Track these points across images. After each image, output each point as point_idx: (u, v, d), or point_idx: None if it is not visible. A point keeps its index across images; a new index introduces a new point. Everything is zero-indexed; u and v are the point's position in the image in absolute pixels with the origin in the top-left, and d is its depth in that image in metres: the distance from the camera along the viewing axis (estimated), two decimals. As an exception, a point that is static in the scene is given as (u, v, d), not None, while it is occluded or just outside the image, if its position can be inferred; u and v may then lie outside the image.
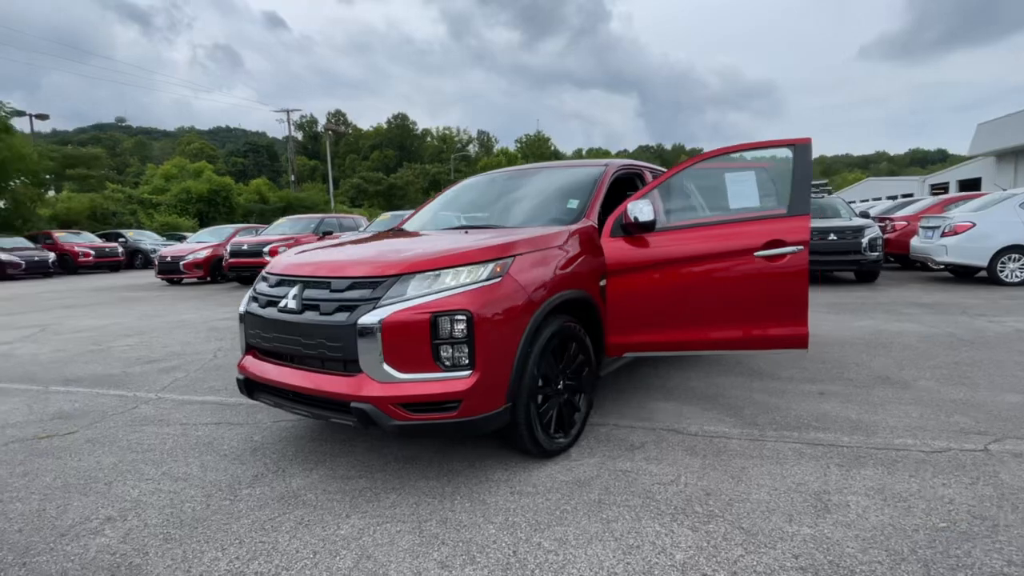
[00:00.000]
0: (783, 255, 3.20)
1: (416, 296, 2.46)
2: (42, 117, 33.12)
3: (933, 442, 2.98)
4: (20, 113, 29.85)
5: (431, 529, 2.26)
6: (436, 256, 2.61)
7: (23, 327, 7.90)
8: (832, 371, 4.42)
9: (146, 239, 23.46)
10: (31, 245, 19.27)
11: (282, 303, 2.73)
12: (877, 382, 4.10)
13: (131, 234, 23.52)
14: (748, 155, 3.75)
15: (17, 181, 24.00)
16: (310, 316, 2.61)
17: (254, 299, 2.96)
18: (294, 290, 2.72)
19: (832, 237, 9.78)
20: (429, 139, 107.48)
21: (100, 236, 22.56)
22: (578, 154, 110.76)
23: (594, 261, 3.21)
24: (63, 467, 2.99)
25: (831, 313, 7.07)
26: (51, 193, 28.17)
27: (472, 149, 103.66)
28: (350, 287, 2.58)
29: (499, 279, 2.57)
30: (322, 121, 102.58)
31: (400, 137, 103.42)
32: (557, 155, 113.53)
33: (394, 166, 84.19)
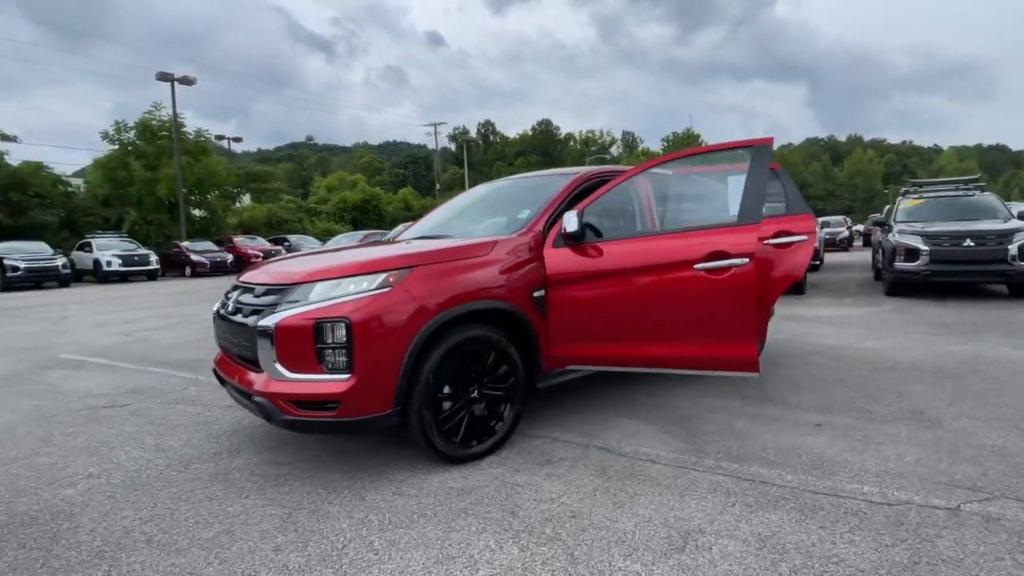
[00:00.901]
0: (726, 268, 2.92)
1: (309, 303, 2.71)
2: (237, 140, 39.44)
3: (896, 493, 2.53)
4: (221, 138, 35.80)
5: (297, 517, 2.49)
6: (332, 267, 2.84)
7: (173, 316, 9.63)
8: (858, 400, 3.84)
9: (305, 243, 26.84)
10: (215, 248, 23.13)
11: (228, 306, 3.15)
12: (903, 417, 3.50)
13: (294, 238, 27.08)
14: (724, 157, 3.44)
15: (212, 194, 28.97)
16: (237, 318, 2.99)
17: (222, 302, 3.44)
18: (235, 294, 3.13)
19: (969, 243, 8.22)
20: (572, 143, 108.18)
21: (270, 240, 26.32)
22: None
23: (528, 272, 3.20)
24: (96, 431, 3.72)
25: (932, 333, 6.03)
26: (238, 204, 33.38)
27: (615, 150, 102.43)
28: (264, 293, 2.90)
29: (388, 290, 2.72)
30: (473, 131, 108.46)
31: (544, 143, 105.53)
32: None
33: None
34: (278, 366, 2.69)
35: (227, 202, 30.52)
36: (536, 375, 3.28)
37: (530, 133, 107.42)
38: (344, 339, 2.60)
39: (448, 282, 2.88)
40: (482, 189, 4.63)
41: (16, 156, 27.33)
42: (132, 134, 26.82)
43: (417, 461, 3.01)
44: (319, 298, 2.72)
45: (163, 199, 26.45)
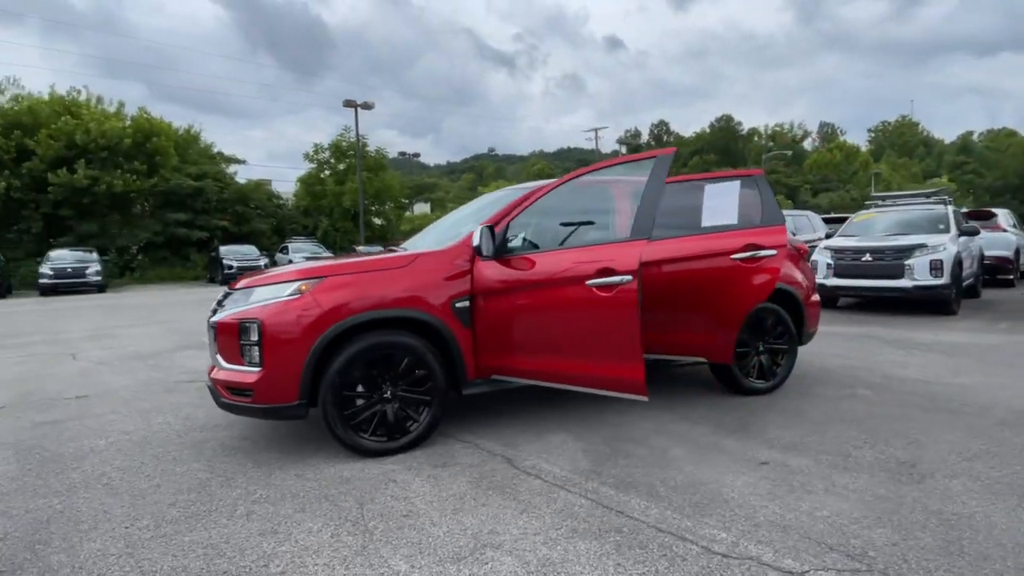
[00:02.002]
0: (614, 285, 2.79)
1: (246, 305, 3.22)
2: (415, 155, 43.86)
3: (752, 546, 2.24)
4: (404, 154, 40.15)
5: (212, 483, 3.00)
6: (269, 276, 3.32)
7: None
8: (852, 442, 3.31)
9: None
10: (383, 251, 26.13)
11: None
12: (882, 467, 2.96)
13: (452, 243, 29.35)
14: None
15: (388, 205, 32.76)
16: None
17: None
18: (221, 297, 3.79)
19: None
20: (756, 139, 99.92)
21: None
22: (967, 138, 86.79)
23: (449, 283, 3.37)
24: (157, 400, 4.72)
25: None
26: (409, 212, 37.18)
27: (809, 144, 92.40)
28: (231, 296, 3.48)
29: (298, 296, 3.13)
30: (645, 133, 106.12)
31: (724, 140, 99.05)
32: (927, 143, 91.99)
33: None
34: (218, 356, 3.26)
35: (400, 211, 34.24)
36: (460, 382, 3.43)
37: (708, 131, 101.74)
38: (256, 337, 3.07)
39: (356, 291, 3.19)
40: (475, 202, 4.84)
41: (245, 175, 33.82)
42: (327, 154, 31.58)
43: (340, 452, 3.37)
44: (253, 301, 3.22)
45: (348, 209, 30.58)
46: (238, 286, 3.48)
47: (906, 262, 7.92)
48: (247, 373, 3.10)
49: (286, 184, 34.96)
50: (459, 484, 2.87)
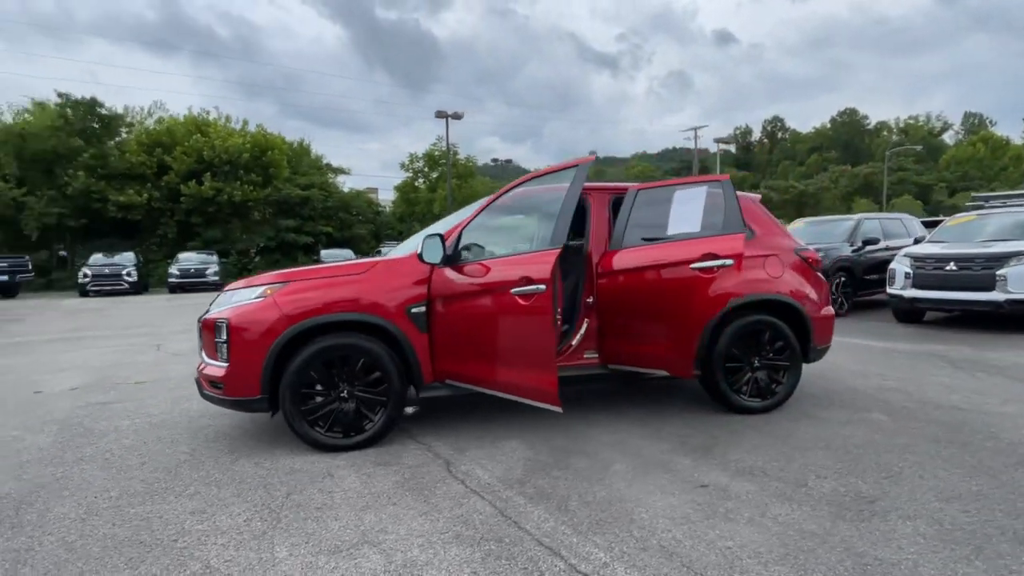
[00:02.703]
0: (530, 294, 2.77)
1: (226, 305, 3.56)
2: (508, 161, 44.70)
3: (621, 570, 2.15)
4: (496, 160, 41.10)
5: (182, 466, 3.36)
6: (247, 280, 3.64)
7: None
8: (820, 471, 3.03)
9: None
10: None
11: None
12: (831, 498, 2.69)
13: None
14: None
15: (477, 210, 33.72)
16: (209, 316, 4.03)
17: None
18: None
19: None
20: (884, 133, 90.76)
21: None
22: None
23: (406, 289, 3.50)
24: (193, 389, 5.28)
25: None
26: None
27: (950, 137, 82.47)
28: (220, 297, 3.84)
29: (262, 299, 3.41)
30: (757, 130, 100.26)
31: (847, 135, 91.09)
32: (1104, 133, 78.51)
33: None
34: (202, 352, 3.63)
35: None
36: (417, 385, 3.55)
37: (828, 126, 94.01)
38: (225, 336, 3.39)
39: (314, 296, 3.42)
40: (462, 211, 4.93)
41: (353, 184, 36.30)
42: (420, 163, 33.18)
43: (300, 446, 3.60)
44: (232, 302, 3.56)
45: (438, 215, 31.87)
46: (227, 288, 3.86)
47: (999, 272, 6.88)
48: (219, 368, 3.43)
49: (391, 193, 37.23)
50: (386, 483, 2.99)
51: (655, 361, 3.69)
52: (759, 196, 4.37)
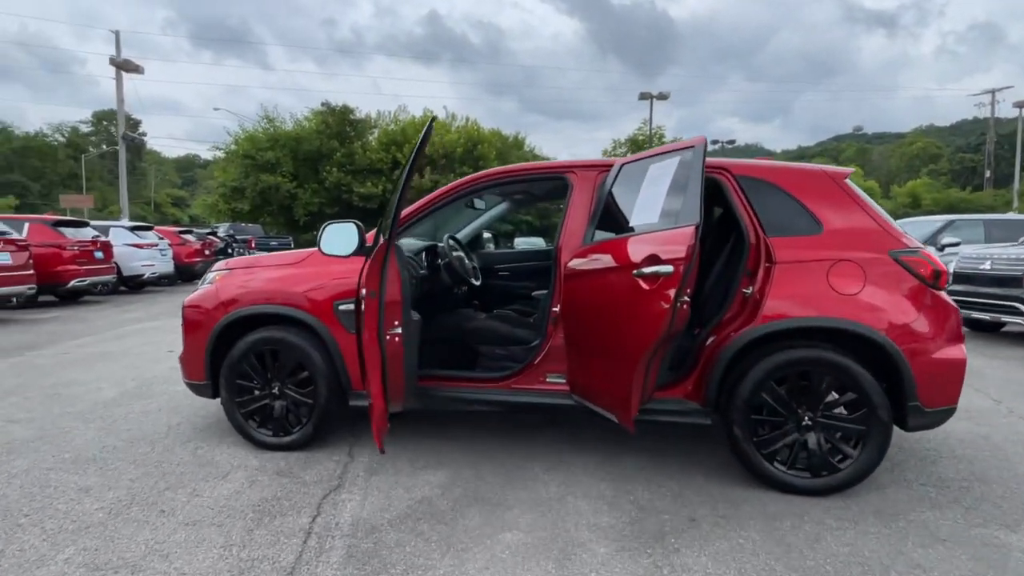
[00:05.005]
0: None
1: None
2: (730, 143, 40.66)
3: None
4: (717, 142, 37.88)
5: (145, 447, 3.53)
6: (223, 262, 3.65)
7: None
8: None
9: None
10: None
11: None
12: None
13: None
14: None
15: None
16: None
17: None
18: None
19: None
20: None
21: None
22: None
23: (333, 283, 3.13)
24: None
25: None
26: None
27: None
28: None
29: (209, 286, 3.37)
30: (1107, 88, 74.30)
31: None
32: None
33: None
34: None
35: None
36: (345, 391, 3.17)
37: None
38: (181, 319, 3.45)
39: (247, 285, 3.26)
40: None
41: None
42: (624, 149, 32.08)
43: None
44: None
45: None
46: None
47: None
48: (181, 350, 3.52)
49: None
50: (252, 498, 2.69)
51: (600, 398, 2.68)
52: (848, 171, 2.89)
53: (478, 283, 4.03)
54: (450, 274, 3.79)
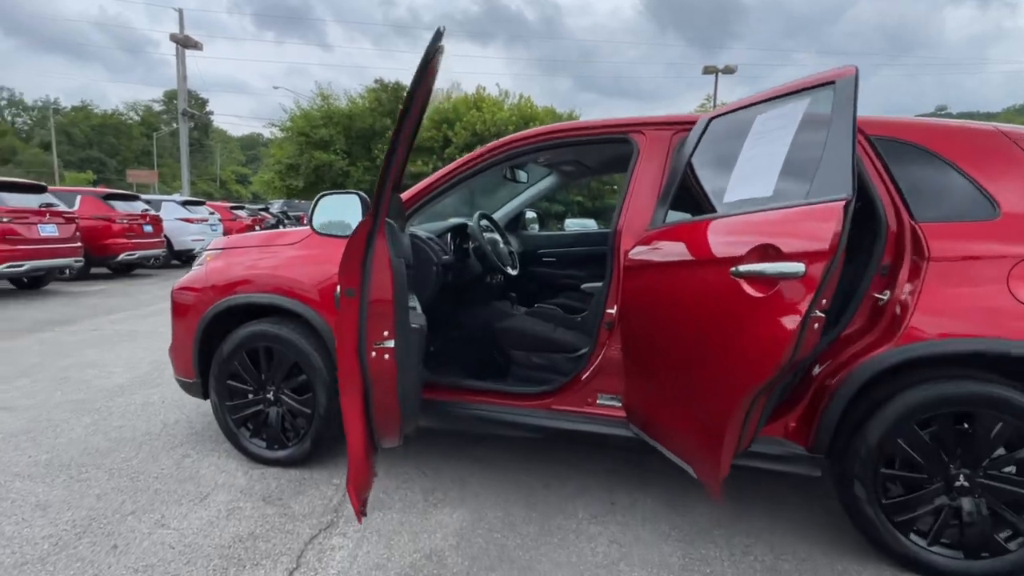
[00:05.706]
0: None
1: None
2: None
3: None
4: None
5: (135, 448, 3.11)
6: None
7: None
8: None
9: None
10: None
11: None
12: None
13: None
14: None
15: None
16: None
17: None
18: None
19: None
20: None
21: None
22: None
23: (328, 266, 2.55)
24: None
25: None
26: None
27: None
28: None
29: (200, 269, 2.86)
30: None
31: None
32: None
33: None
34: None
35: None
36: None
37: None
38: (171, 305, 2.96)
39: (235, 269, 2.73)
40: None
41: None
42: (684, 127, 30.49)
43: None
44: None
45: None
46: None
47: None
48: (171, 342, 3.05)
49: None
50: (226, 534, 2.18)
51: (673, 443, 1.98)
52: (1038, 132, 2.04)
53: (515, 272, 3.38)
54: (481, 260, 3.16)
